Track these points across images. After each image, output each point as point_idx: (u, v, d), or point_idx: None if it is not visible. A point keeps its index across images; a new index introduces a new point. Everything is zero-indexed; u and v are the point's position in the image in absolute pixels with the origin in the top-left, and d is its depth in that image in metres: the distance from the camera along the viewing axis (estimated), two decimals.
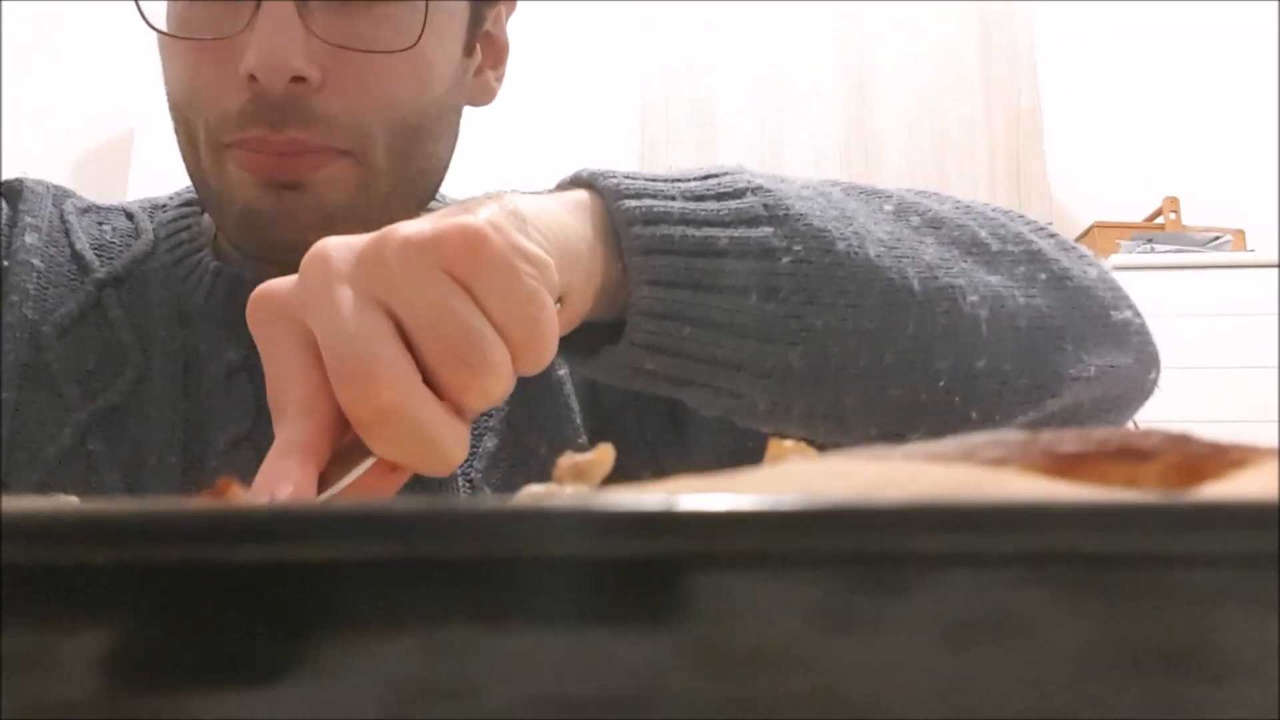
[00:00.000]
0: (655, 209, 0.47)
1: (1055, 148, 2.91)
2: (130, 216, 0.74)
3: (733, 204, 0.49)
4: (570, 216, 0.46)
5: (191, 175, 0.67)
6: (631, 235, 0.47)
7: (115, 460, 0.64)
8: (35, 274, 0.68)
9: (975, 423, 0.52)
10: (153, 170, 2.69)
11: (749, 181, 0.51)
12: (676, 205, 0.48)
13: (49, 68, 3.04)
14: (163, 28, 0.64)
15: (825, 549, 0.13)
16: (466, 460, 0.66)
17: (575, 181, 0.50)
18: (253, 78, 0.60)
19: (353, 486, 0.38)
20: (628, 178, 0.49)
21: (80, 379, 0.66)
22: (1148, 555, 0.13)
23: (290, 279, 0.40)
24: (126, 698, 0.14)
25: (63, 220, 0.72)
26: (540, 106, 2.76)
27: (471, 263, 0.38)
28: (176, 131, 0.66)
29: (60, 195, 0.74)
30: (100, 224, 0.73)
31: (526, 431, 0.68)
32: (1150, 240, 2.68)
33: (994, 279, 0.54)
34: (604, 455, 0.44)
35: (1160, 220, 2.81)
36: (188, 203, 0.74)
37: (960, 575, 0.12)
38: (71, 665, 0.14)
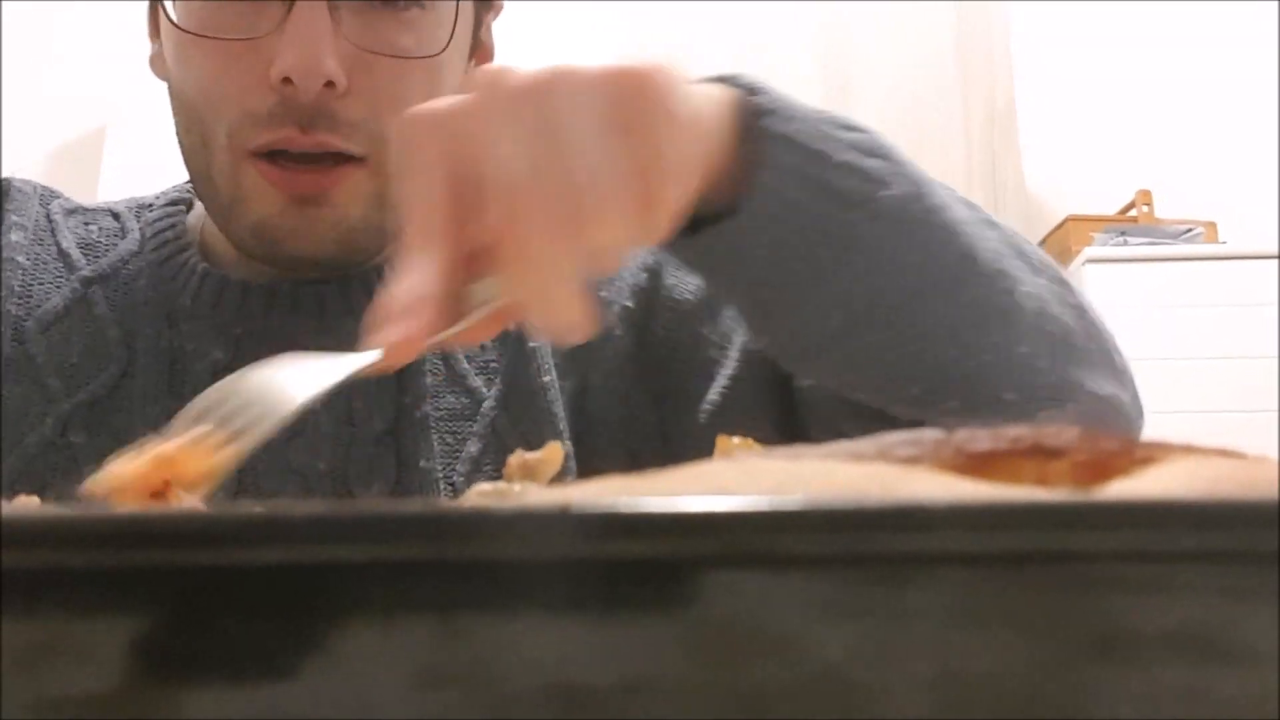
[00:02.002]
0: (787, 107, 0.49)
1: (1030, 142, 2.92)
2: (116, 216, 0.74)
3: (852, 135, 0.51)
4: (704, 99, 0.47)
5: (199, 178, 0.66)
6: (761, 126, 0.48)
7: (96, 452, 0.63)
8: (20, 270, 0.68)
9: (1002, 404, 0.54)
10: (125, 166, 2.67)
11: (864, 124, 0.53)
12: (804, 111, 0.49)
13: (21, 63, 3.01)
14: (182, 26, 0.63)
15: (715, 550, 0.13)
16: (449, 464, 0.66)
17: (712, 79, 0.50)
18: (286, 81, 0.59)
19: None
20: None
21: (64, 372, 0.66)
22: (1023, 553, 0.13)
23: (445, 104, 0.40)
24: (137, 693, 0.15)
25: (49, 219, 0.72)
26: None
27: (637, 103, 0.39)
28: (186, 133, 0.65)
29: (48, 195, 0.74)
30: (87, 224, 0.73)
31: (509, 436, 0.68)
32: (1123, 233, 2.70)
33: (1040, 281, 0.56)
34: (552, 454, 0.44)
35: (1133, 213, 2.83)
36: (173, 202, 0.74)
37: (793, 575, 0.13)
38: (84, 662, 0.15)
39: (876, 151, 0.51)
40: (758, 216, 0.48)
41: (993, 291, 0.53)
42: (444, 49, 0.64)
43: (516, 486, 0.44)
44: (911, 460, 0.16)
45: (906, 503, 0.13)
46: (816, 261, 0.49)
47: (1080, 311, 0.59)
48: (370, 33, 0.62)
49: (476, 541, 0.15)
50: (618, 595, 0.15)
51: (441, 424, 0.68)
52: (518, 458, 0.47)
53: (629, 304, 0.70)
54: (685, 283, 0.70)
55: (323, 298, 0.69)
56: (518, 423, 0.68)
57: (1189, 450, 0.17)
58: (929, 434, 0.17)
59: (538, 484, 0.45)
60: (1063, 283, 0.59)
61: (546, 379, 0.69)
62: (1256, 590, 0.13)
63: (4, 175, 0.75)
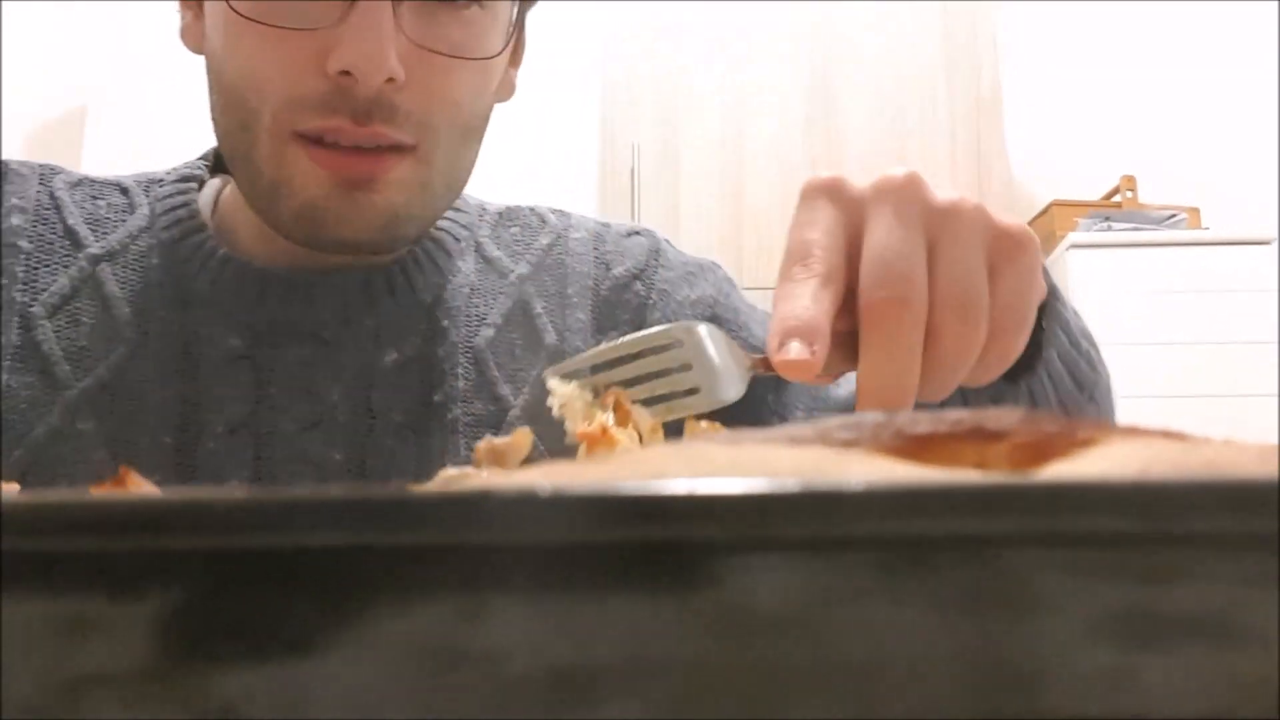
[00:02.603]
0: (1060, 295, 0.55)
1: (1014, 127, 2.93)
2: (125, 191, 0.73)
3: (1079, 321, 0.57)
4: None
5: (237, 160, 0.65)
6: (1051, 304, 0.54)
7: (105, 438, 0.64)
8: (22, 255, 0.67)
9: None
10: (105, 147, 2.66)
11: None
12: (1068, 302, 0.56)
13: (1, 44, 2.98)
14: (237, 9, 0.62)
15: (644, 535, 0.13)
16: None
17: None
18: (345, 74, 0.59)
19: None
20: None
21: (71, 357, 0.65)
22: (960, 536, 0.13)
23: (859, 183, 0.44)
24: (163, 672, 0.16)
25: (53, 198, 0.70)
26: None
27: (1015, 255, 0.43)
28: (224, 113, 0.64)
29: (48, 173, 0.72)
30: (95, 198, 0.72)
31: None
32: (1108, 218, 2.71)
33: None
34: (521, 439, 0.44)
35: (1117, 198, 2.84)
36: (184, 178, 0.73)
37: (751, 560, 0.12)
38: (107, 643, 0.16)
39: (1090, 338, 0.57)
40: (1030, 388, 0.54)
41: None
42: (501, 51, 0.65)
43: (484, 472, 0.44)
44: (850, 444, 0.16)
45: (842, 485, 0.13)
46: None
47: None
48: (430, 29, 0.62)
49: (478, 525, 0.16)
50: (621, 578, 0.15)
51: (469, 429, 0.68)
52: (486, 443, 0.47)
53: None
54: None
55: (344, 291, 0.68)
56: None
57: (1130, 432, 0.17)
58: (869, 417, 0.17)
59: (505, 469, 0.45)
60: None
61: None
62: (1182, 573, 0.13)
63: (6, 160, 0.73)
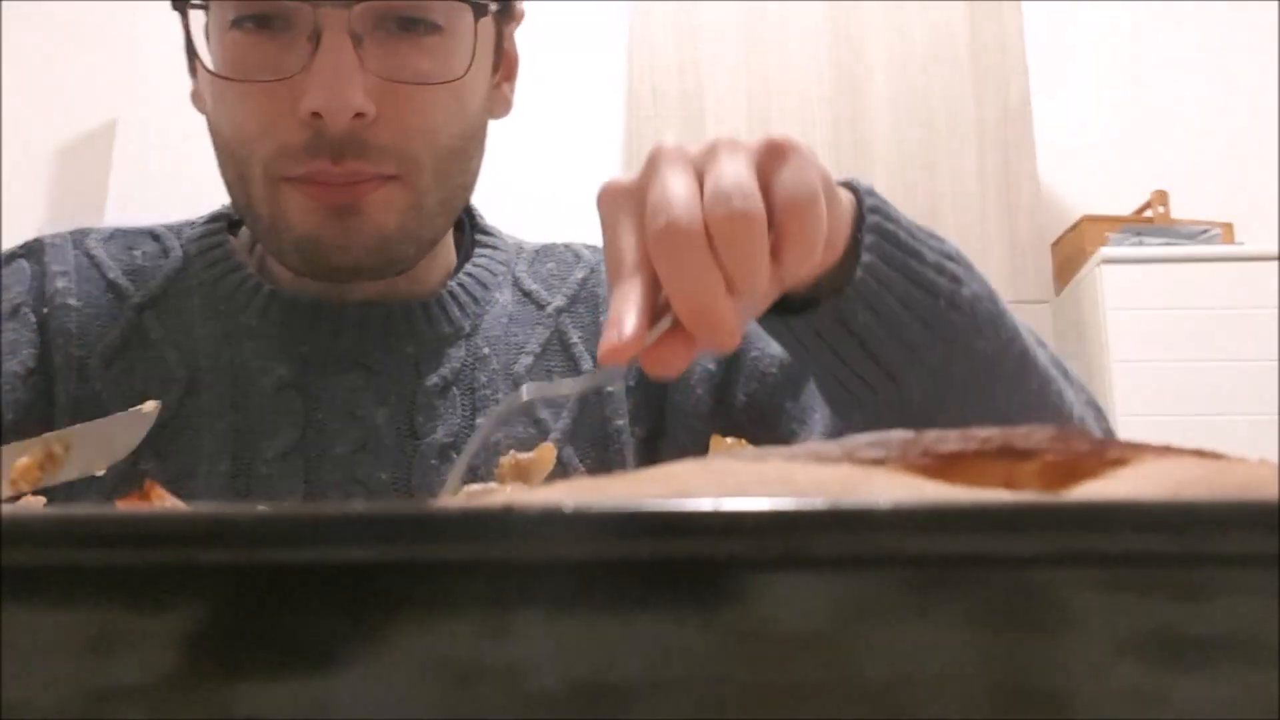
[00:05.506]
0: (890, 210, 0.56)
1: (1045, 141, 2.91)
2: (156, 238, 0.76)
3: (935, 241, 0.59)
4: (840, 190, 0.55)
5: (241, 208, 0.69)
6: (871, 222, 0.55)
7: (167, 475, 0.67)
8: (73, 313, 0.71)
9: None
10: (135, 161, 2.68)
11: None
12: (901, 215, 0.57)
13: (31, 58, 3.02)
14: (212, 67, 0.66)
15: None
16: None
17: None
18: (315, 115, 0.62)
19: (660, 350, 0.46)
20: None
21: (130, 402, 0.67)
22: (974, 556, 0.12)
23: (632, 175, 0.48)
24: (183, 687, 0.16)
25: (89, 256, 0.74)
26: (525, 92, 2.71)
27: (783, 154, 0.46)
28: (224, 167, 0.68)
29: (79, 236, 0.76)
30: (130, 249, 0.75)
31: (574, 470, 0.71)
32: (1139, 233, 2.68)
33: (1081, 396, 0.66)
34: (544, 455, 0.45)
35: (1149, 213, 2.81)
36: (214, 218, 0.77)
37: (779, 577, 0.12)
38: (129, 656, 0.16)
39: (956, 258, 0.58)
40: (861, 293, 0.54)
41: (1047, 391, 0.60)
42: (465, 72, 0.66)
43: (508, 488, 0.44)
44: (877, 462, 0.16)
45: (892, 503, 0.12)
46: (908, 338, 0.56)
47: (1111, 436, 0.65)
48: (394, 61, 0.64)
49: (501, 541, 0.16)
50: (645, 594, 0.15)
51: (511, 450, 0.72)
52: (510, 459, 0.48)
53: (711, 366, 0.74)
54: (769, 355, 0.74)
55: (385, 320, 0.71)
56: (584, 458, 0.71)
57: (1163, 451, 0.17)
58: (896, 435, 0.17)
59: (529, 485, 0.45)
60: (1097, 407, 0.67)
61: (620, 423, 0.72)
62: (1214, 594, 0.13)
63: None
